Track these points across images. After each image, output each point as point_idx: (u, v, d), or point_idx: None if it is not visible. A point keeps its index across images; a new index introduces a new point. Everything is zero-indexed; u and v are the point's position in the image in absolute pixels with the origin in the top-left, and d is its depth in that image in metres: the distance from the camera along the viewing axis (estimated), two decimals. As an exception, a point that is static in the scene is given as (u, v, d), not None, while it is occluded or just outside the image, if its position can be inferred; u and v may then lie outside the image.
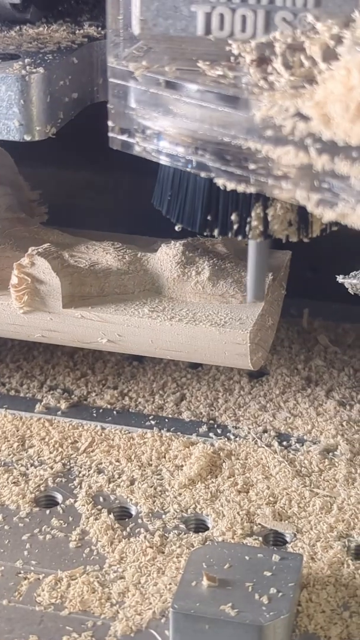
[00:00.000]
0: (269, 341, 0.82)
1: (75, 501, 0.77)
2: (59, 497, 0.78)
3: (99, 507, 0.77)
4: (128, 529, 0.75)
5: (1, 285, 0.81)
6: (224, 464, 0.81)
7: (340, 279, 0.77)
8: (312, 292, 0.99)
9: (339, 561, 0.71)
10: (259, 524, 0.75)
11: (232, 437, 0.84)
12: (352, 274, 0.77)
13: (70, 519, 0.76)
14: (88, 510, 0.76)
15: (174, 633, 0.65)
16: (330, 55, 0.61)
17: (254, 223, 0.70)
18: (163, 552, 0.72)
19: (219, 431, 0.85)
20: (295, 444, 0.83)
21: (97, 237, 0.85)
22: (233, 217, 0.70)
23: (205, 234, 0.72)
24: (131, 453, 0.82)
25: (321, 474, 0.79)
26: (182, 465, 0.80)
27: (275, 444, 0.83)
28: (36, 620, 0.67)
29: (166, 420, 0.86)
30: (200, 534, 0.74)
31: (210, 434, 0.84)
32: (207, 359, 0.79)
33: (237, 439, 0.83)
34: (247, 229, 0.70)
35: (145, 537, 0.74)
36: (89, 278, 0.80)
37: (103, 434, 0.84)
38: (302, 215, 0.68)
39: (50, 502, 0.78)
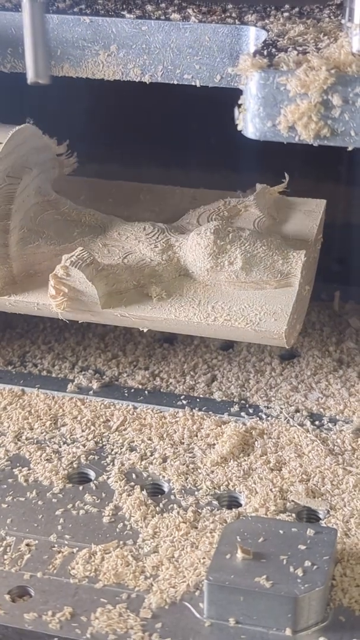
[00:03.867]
0: (304, 312, 0.82)
1: (108, 478, 0.77)
2: (92, 474, 0.78)
3: (132, 483, 0.77)
4: (161, 505, 0.75)
5: (40, 277, 0.81)
6: (256, 442, 0.81)
7: None
8: (343, 276, 0.99)
9: (373, 537, 0.71)
10: (292, 500, 0.75)
11: (264, 416, 0.84)
12: None
13: (103, 495, 0.76)
14: (121, 487, 0.76)
15: (208, 605, 0.65)
16: None
17: None
18: (196, 528, 0.72)
19: (250, 411, 0.84)
20: (328, 424, 0.83)
21: (133, 189, 0.87)
22: None
23: None
24: (163, 431, 0.82)
25: (354, 453, 0.79)
26: (214, 444, 0.80)
27: (308, 423, 0.82)
28: (70, 592, 0.68)
29: (197, 400, 0.86)
30: (233, 510, 0.74)
31: (242, 414, 0.84)
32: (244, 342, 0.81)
33: (269, 418, 0.83)
34: None
35: (178, 512, 0.74)
36: (124, 275, 0.80)
37: (135, 413, 0.84)
38: None
39: (83, 479, 0.78)
